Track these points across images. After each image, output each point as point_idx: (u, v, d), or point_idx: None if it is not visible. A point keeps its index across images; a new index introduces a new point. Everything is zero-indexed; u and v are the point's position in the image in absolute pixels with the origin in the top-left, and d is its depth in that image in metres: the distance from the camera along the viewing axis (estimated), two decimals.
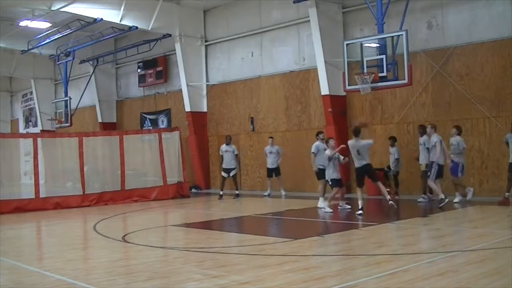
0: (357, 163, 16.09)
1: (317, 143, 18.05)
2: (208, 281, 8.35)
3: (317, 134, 18.52)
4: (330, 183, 16.79)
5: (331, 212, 16.38)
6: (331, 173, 16.63)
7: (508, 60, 18.00)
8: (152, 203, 22.18)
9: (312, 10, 21.42)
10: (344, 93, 21.29)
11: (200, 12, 27.55)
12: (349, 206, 16.80)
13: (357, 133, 16.06)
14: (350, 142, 16.19)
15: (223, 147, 22.50)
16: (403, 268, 8.55)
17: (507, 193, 16.21)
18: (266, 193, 22.73)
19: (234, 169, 22.39)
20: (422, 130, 18.06)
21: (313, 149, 17.91)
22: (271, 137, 22.82)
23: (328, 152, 16.56)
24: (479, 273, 8.13)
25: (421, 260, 9.12)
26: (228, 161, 22.30)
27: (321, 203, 17.48)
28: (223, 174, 22.40)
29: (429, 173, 16.96)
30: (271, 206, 19.52)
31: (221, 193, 22.38)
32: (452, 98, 19.26)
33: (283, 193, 22.27)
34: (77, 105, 32.06)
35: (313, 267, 9.09)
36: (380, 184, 16.28)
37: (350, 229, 13.65)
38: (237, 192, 22.36)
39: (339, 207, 16.90)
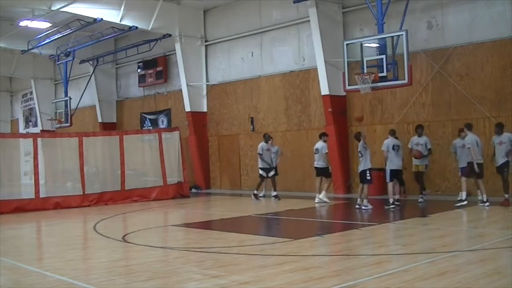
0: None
1: (325, 144, 19.29)
2: (208, 281, 8.35)
3: (323, 135, 19.46)
4: (368, 176, 17.05)
5: (371, 207, 16.81)
6: (365, 164, 17.05)
7: (508, 60, 17.99)
8: (152, 203, 22.17)
9: (312, 10, 21.41)
10: (344, 93, 21.29)
11: (200, 12, 27.55)
12: (371, 206, 16.91)
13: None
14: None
15: (264, 145, 21.46)
16: (403, 268, 8.56)
17: (506, 194, 16.20)
18: (261, 194, 22.50)
19: (273, 168, 21.49)
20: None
21: (326, 150, 19.28)
22: (271, 137, 22.66)
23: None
24: (479, 273, 8.13)
25: (421, 260, 9.11)
26: (268, 160, 21.50)
27: (323, 197, 19.00)
28: (262, 173, 21.47)
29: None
30: (271, 206, 19.51)
31: (260, 194, 21.57)
32: (452, 98, 19.26)
33: (274, 193, 21.54)
34: (77, 105, 32.05)
35: (313, 267, 9.09)
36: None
37: (350, 229, 13.65)
38: (276, 193, 21.35)
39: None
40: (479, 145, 16.58)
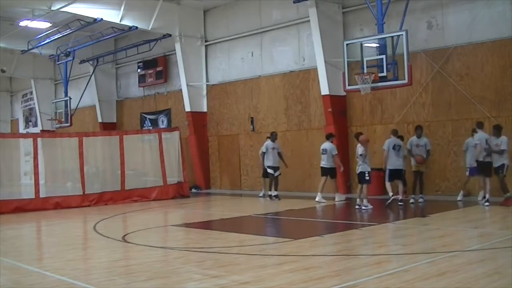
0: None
1: (333, 145, 19.52)
2: (208, 281, 8.35)
3: (331, 136, 19.71)
4: (367, 177, 17.12)
5: (371, 207, 16.84)
6: (363, 167, 17.13)
7: (508, 60, 17.99)
8: (152, 203, 22.16)
9: (312, 10, 21.41)
10: (344, 93, 21.28)
11: (200, 12, 27.55)
12: (371, 206, 16.96)
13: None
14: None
15: (270, 144, 21.15)
16: (403, 268, 8.55)
17: (506, 194, 16.19)
18: (261, 194, 22.60)
19: (279, 168, 21.17)
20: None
21: (336, 151, 19.47)
22: (269, 137, 22.62)
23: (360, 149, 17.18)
24: (479, 273, 8.14)
25: (421, 260, 9.11)
26: (275, 159, 21.09)
27: (338, 198, 19.66)
28: (271, 171, 21.07)
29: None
30: (271, 206, 19.50)
31: (273, 193, 21.04)
32: (452, 98, 19.26)
33: (274, 193, 21.04)
34: (77, 105, 32.06)
35: (313, 267, 9.09)
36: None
37: (350, 229, 13.65)
38: (276, 193, 20.99)
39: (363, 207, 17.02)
40: (489, 144, 16.50)
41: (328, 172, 19.49)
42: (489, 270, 8.32)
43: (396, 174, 17.49)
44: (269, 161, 21.12)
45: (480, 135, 16.73)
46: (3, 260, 10.50)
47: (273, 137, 21.36)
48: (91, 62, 32.75)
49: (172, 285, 8.30)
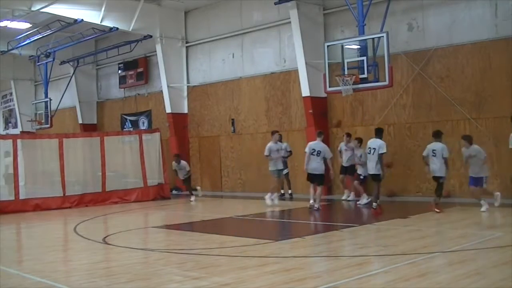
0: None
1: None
2: (189, 283, 8.33)
3: (322, 134, 18.73)
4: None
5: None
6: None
7: (487, 62, 18.11)
8: (132, 204, 22.09)
9: (293, 12, 21.43)
10: (325, 95, 21.31)
11: (181, 13, 27.49)
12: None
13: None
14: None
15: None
16: (383, 270, 8.59)
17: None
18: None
19: (285, 168, 21.00)
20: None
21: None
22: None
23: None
24: (460, 274, 8.17)
25: (401, 261, 9.15)
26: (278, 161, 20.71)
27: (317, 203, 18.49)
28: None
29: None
30: (252, 208, 19.47)
31: (288, 192, 21.43)
32: (432, 99, 19.35)
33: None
34: (57, 106, 31.82)
35: (294, 268, 9.09)
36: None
37: (331, 231, 13.67)
38: (290, 191, 21.24)
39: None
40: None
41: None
42: (469, 271, 8.36)
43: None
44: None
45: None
46: None
47: (275, 137, 21.01)
48: (71, 63, 32.53)
49: (153, 286, 8.28)
